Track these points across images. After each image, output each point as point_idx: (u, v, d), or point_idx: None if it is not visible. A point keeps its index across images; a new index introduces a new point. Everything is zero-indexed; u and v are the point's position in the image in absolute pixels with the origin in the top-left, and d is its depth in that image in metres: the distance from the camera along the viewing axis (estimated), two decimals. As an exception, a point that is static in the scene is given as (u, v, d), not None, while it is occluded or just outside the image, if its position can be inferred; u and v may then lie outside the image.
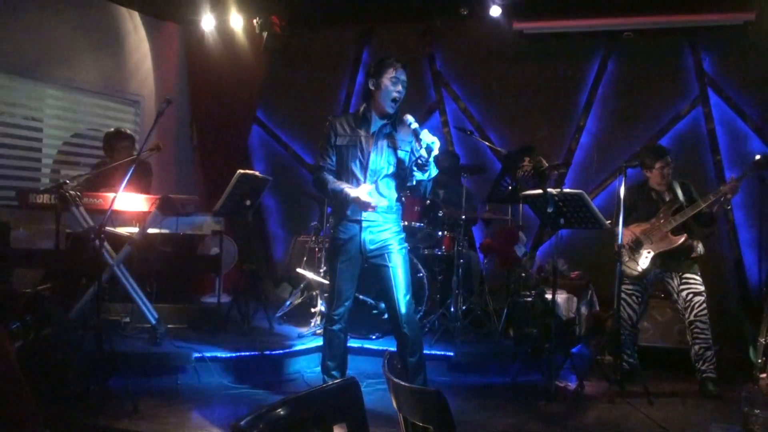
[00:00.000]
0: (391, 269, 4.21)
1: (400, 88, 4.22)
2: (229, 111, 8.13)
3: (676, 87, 7.31)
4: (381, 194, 4.26)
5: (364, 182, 4.25)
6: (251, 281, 6.70)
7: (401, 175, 4.32)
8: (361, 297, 5.79)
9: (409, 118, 4.16)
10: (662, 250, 5.40)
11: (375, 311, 5.98)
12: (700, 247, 5.43)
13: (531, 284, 6.44)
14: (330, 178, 4.34)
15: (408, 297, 4.25)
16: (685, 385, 5.47)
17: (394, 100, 4.23)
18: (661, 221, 5.42)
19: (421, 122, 4.22)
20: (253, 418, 1.64)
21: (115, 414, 4.37)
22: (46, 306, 4.41)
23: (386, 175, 4.28)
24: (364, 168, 4.26)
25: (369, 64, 4.39)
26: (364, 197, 4.09)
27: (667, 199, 5.53)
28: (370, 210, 4.15)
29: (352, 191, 4.14)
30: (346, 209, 4.29)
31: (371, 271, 4.37)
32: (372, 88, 4.30)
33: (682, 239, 5.35)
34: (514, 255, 6.52)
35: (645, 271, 5.45)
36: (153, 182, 6.33)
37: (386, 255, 4.23)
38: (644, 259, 5.44)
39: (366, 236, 4.25)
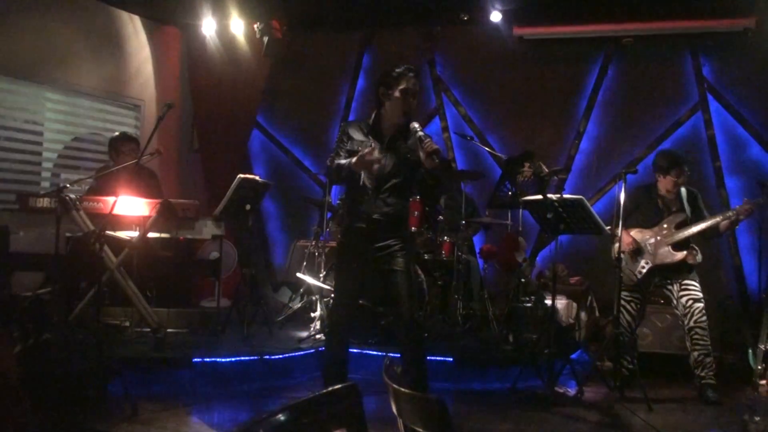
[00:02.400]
0: (396, 273, 4.19)
1: (411, 99, 4.21)
2: (230, 115, 8.14)
3: (676, 93, 7.32)
4: (389, 203, 4.24)
5: (373, 191, 4.23)
6: (251, 286, 6.70)
7: (411, 183, 4.32)
8: (360, 301, 5.78)
9: (415, 125, 4.14)
10: (661, 263, 5.40)
11: (374, 316, 5.98)
12: (698, 256, 5.43)
13: (530, 290, 6.45)
14: (336, 162, 4.30)
15: (413, 301, 4.24)
16: (684, 391, 5.48)
17: (405, 112, 4.22)
18: (664, 233, 5.41)
19: (422, 127, 4.19)
20: (254, 424, 1.64)
21: (114, 418, 4.37)
22: (46, 310, 4.41)
23: (396, 184, 4.26)
24: (374, 176, 4.24)
25: (381, 71, 4.33)
26: (369, 155, 4.02)
27: (673, 209, 5.51)
28: (375, 167, 4.10)
29: (355, 157, 4.09)
30: (353, 213, 4.30)
31: (375, 275, 4.35)
32: (382, 98, 4.26)
33: (683, 256, 5.34)
34: (514, 260, 6.52)
35: (641, 281, 5.46)
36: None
37: (392, 259, 4.22)
38: (641, 269, 5.44)
39: (372, 241, 4.24)
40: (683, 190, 5.55)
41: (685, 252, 5.36)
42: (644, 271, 5.44)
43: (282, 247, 8.59)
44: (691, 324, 5.32)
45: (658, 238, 5.43)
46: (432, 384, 4.54)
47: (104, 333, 4.64)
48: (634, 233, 5.52)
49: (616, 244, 5.39)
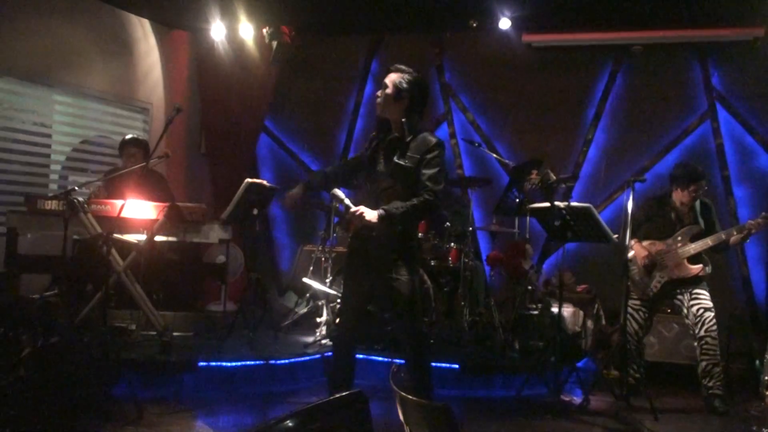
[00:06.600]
0: (398, 283, 4.16)
1: (378, 92, 4.24)
2: (238, 119, 8.15)
3: (685, 101, 7.31)
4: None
5: (372, 195, 4.21)
6: (257, 290, 6.70)
7: (409, 188, 4.14)
8: (368, 307, 5.77)
9: (338, 193, 4.12)
10: (676, 277, 5.38)
11: (381, 322, 5.97)
12: (708, 267, 5.41)
13: (537, 297, 6.43)
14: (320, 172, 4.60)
15: (416, 312, 4.20)
16: (691, 401, 5.46)
17: (377, 104, 4.27)
18: (678, 245, 5.38)
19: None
20: (262, 430, 1.64)
21: (119, 421, 4.36)
22: (54, 313, 4.42)
23: (389, 188, 4.16)
24: (373, 181, 4.24)
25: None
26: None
27: (686, 221, 5.48)
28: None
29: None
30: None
31: (379, 282, 4.33)
32: None
33: (699, 269, 5.32)
34: (521, 268, 6.51)
35: (656, 294, 5.44)
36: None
37: (394, 268, 4.18)
38: (656, 283, 5.42)
39: (373, 248, 4.21)
40: (697, 201, 5.52)
41: (701, 265, 5.34)
42: (660, 284, 5.41)
43: (288, 251, 8.59)
44: (702, 333, 5.29)
45: (672, 250, 5.40)
46: (437, 391, 4.53)
47: (110, 336, 4.63)
48: (647, 245, 5.49)
49: (631, 253, 5.37)
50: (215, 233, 5.83)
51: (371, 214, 3.99)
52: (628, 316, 5.43)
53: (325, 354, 5.71)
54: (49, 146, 6.87)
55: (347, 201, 4.05)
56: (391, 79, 4.22)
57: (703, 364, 5.29)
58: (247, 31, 7.70)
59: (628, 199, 5.15)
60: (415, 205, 4.05)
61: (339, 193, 4.09)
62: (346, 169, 4.57)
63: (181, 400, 5.01)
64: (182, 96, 8.18)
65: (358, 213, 3.98)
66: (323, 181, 4.54)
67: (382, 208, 4.02)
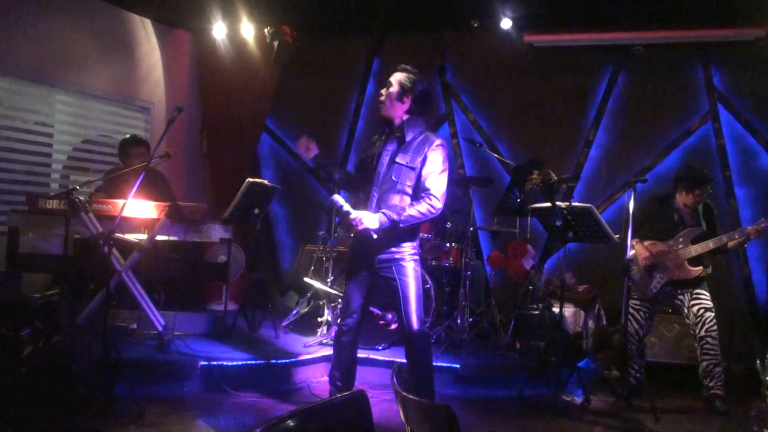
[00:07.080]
0: (400, 283, 4.16)
1: (382, 90, 4.25)
2: (239, 119, 8.15)
3: (687, 102, 7.29)
4: (389, 208, 4.18)
5: (373, 195, 4.22)
6: (258, 289, 6.70)
7: (412, 188, 4.17)
8: (369, 308, 5.77)
9: (338, 199, 4.12)
10: (676, 278, 5.37)
11: (382, 322, 5.98)
12: (709, 268, 5.41)
13: (538, 297, 6.43)
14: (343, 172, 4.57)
15: (417, 311, 4.20)
16: (692, 401, 5.45)
17: (379, 104, 4.30)
18: (680, 247, 5.38)
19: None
20: (263, 430, 1.64)
21: (120, 420, 4.38)
22: (56, 312, 4.42)
23: (393, 189, 4.17)
24: (375, 181, 4.24)
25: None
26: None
27: (688, 223, 5.48)
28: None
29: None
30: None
31: (381, 283, 4.33)
32: None
33: (699, 271, 5.31)
34: (522, 268, 6.51)
35: (656, 294, 5.44)
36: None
37: (395, 268, 4.18)
38: (657, 283, 5.42)
39: (375, 248, 4.20)
40: (699, 204, 5.51)
41: (701, 267, 5.33)
42: (660, 284, 5.41)
43: (290, 251, 8.60)
44: (702, 333, 5.29)
45: (673, 251, 5.39)
46: (438, 390, 4.53)
47: (111, 335, 4.63)
48: (648, 245, 5.49)
49: (632, 252, 5.37)
50: (216, 233, 5.84)
51: (371, 222, 4.00)
52: (629, 316, 5.42)
53: (326, 354, 5.71)
54: (50, 146, 6.88)
55: (347, 207, 4.06)
56: (397, 78, 4.23)
57: (704, 364, 5.30)
58: (248, 30, 7.70)
59: (629, 199, 5.15)
60: (418, 209, 4.06)
61: (339, 198, 4.09)
62: (361, 175, 4.49)
63: (182, 399, 5.02)
64: (183, 96, 8.19)
65: (357, 221, 4.00)
66: (341, 176, 4.51)
67: (383, 212, 4.03)
